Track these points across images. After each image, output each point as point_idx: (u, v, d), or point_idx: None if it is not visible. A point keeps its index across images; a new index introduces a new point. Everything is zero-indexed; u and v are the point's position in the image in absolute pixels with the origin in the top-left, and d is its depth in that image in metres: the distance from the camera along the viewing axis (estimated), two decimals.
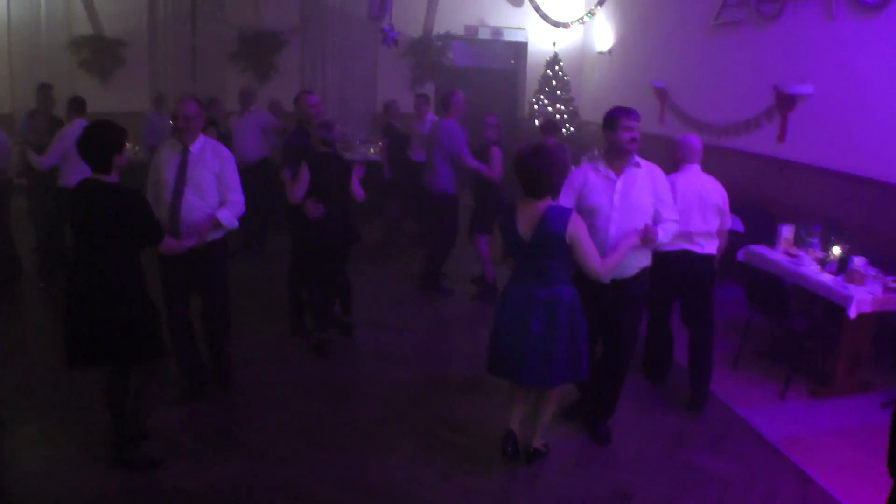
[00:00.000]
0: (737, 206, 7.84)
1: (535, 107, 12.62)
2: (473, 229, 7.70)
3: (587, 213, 4.42)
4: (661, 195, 4.56)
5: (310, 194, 5.80)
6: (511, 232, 4.18)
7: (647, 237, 4.32)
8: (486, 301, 7.39)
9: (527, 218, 4.12)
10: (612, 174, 4.49)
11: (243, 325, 6.39)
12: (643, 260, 4.60)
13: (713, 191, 5.32)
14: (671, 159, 5.43)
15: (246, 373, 5.68)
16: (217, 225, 4.85)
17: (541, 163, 4.07)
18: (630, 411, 5.19)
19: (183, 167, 4.76)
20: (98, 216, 3.96)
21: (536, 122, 11.70)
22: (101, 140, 4.00)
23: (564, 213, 4.09)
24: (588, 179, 4.54)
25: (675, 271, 5.25)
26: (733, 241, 7.28)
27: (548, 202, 4.14)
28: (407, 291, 7.93)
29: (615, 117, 4.46)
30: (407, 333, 6.75)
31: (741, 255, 6.50)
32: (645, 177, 4.51)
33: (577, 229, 4.08)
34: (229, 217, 4.90)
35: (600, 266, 4.16)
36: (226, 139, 8.69)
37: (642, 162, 4.53)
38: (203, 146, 4.85)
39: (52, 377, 5.43)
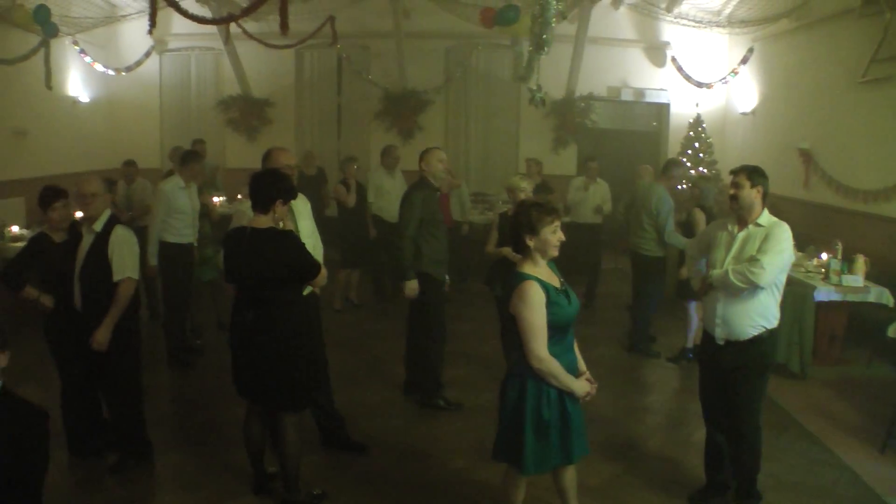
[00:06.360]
0: (886, 277, 7.60)
1: None
2: (683, 294, 7.73)
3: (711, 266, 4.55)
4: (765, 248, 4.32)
5: None
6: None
7: None
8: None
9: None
10: (734, 230, 4.52)
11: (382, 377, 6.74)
12: (762, 319, 4.38)
13: None
14: None
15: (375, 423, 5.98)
16: None
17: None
18: None
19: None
20: (262, 261, 4.20)
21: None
22: (271, 186, 4.25)
23: (516, 278, 3.65)
24: (716, 233, 4.64)
25: None
26: (882, 316, 7.06)
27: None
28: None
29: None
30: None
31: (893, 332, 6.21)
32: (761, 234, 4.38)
33: (517, 301, 3.57)
34: None
35: (542, 357, 3.53)
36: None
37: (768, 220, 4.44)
38: None
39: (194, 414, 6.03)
